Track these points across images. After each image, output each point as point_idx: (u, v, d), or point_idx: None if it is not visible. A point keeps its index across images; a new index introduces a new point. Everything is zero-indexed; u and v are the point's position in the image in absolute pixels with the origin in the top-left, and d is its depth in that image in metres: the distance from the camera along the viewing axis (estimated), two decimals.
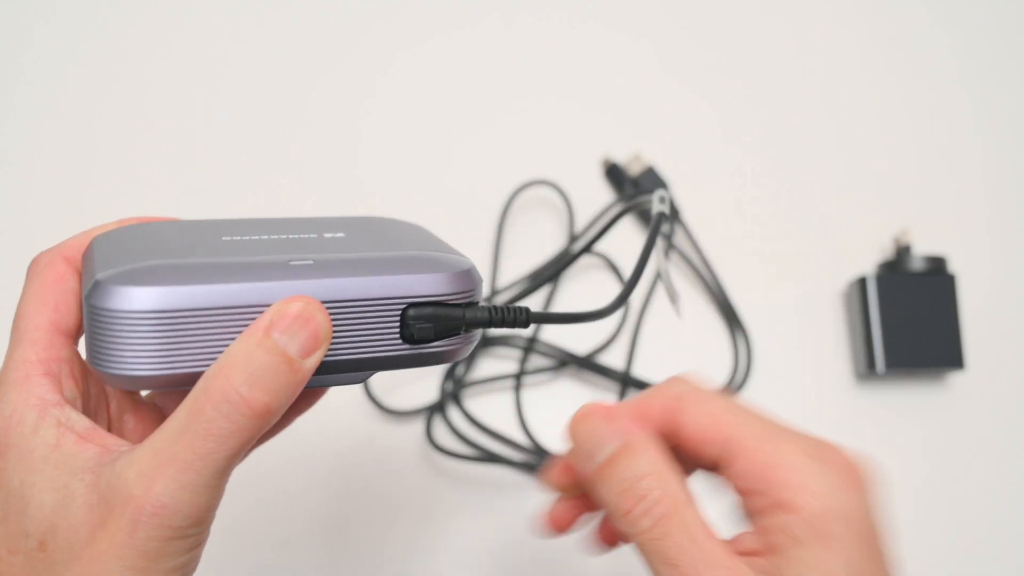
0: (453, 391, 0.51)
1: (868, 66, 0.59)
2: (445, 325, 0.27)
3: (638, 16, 0.60)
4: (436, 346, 0.28)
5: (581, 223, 0.56)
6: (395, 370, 0.29)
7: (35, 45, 0.60)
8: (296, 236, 0.29)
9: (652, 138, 0.57)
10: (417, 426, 0.51)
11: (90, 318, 0.24)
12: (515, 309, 0.29)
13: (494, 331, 0.52)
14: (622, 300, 0.30)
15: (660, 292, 0.54)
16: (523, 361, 0.52)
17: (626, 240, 0.55)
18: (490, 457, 0.50)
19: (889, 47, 0.60)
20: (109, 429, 0.29)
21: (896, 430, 0.52)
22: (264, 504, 0.50)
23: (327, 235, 0.29)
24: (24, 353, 0.26)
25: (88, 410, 0.27)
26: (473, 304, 0.28)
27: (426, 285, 0.27)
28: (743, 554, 0.25)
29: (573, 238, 0.54)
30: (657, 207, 0.33)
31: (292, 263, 0.26)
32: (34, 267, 0.29)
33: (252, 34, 0.60)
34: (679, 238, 0.55)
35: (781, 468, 0.25)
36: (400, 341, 0.27)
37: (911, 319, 0.50)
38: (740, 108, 0.58)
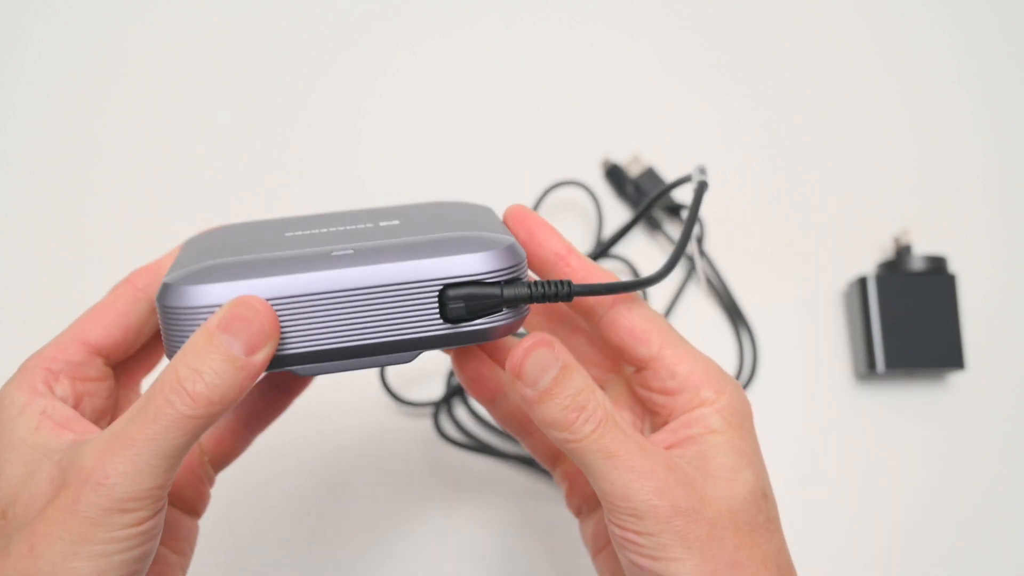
0: (459, 385, 0.51)
1: (868, 66, 0.59)
2: (483, 303, 0.28)
3: (638, 16, 0.60)
4: (480, 324, 0.29)
5: (586, 225, 0.56)
6: (449, 347, 0.31)
7: (35, 45, 0.60)
8: (352, 227, 0.30)
9: (652, 138, 0.57)
10: (425, 420, 0.51)
11: (161, 317, 0.28)
12: (557, 283, 0.29)
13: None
14: (671, 267, 0.32)
15: (666, 294, 0.54)
16: None
17: (639, 247, 0.55)
18: (492, 451, 0.50)
19: (889, 47, 0.60)
20: None
21: (896, 430, 0.52)
22: (265, 503, 0.50)
23: (382, 223, 0.31)
24: (42, 352, 0.30)
25: (83, 408, 0.31)
26: (513, 280, 0.29)
27: (461, 265, 0.28)
28: (666, 446, 0.30)
29: (600, 242, 0.54)
30: (698, 177, 0.35)
31: (334, 253, 0.27)
32: (118, 286, 0.33)
33: (252, 34, 0.60)
34: (678, 233, 0.55)
35: (700, 374, 0.31)
36: (441, 321, 0.28)
37: (911, 319, 0.50)
38: (740, 108, 0.58)
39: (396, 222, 0.31)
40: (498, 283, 0.28)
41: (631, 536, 0.28)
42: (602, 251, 0.49)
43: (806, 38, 0.60)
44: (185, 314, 0.27)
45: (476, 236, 0.29)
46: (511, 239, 0.29)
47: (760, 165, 0.57)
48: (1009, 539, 0.50)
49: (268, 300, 0.27)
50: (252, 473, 0.51)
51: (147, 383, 0.33)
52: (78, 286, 0.53)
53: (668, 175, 0.56)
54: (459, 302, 0.28)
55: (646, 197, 0.55)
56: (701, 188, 0.34)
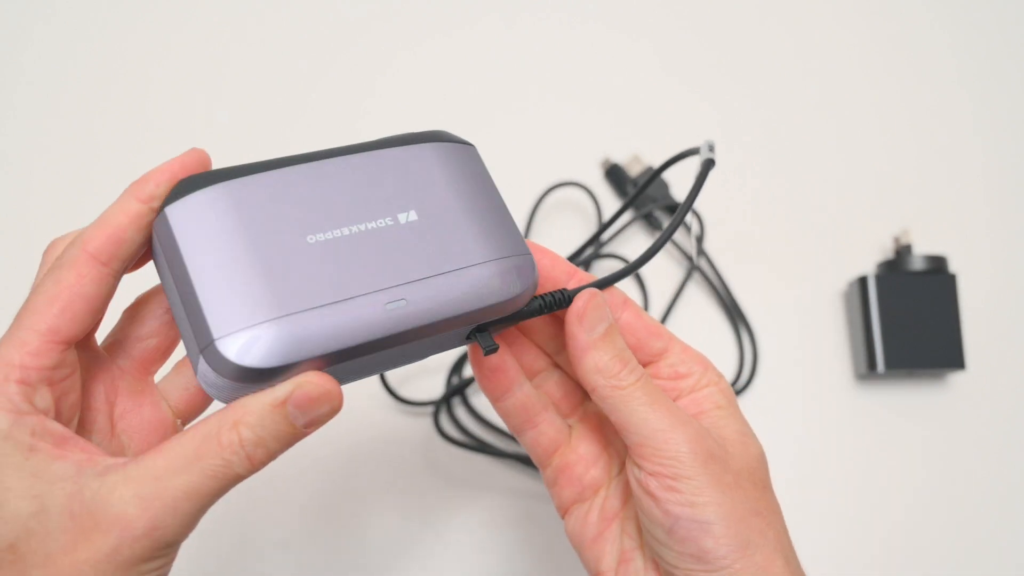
0: (459, 386, 0.51)
1: (868, 66, 0.59)
2: (502, 324, 0.32)
3: (638, 17, 0.61)
4: (492, 336, 0.32)
5: (586, 224, 0.56)
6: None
7: (35, 45, 0.60)
8: (373, 226, 0.29)
9: (652, 139, 0.57)
10: (425, 420, 0.51)
11: (217, 382, 0.27)
12: (557, 294, 0.33)
13: None
14: (662, 243, 0.35)
15: (668, 294, 0.54)
16: None
17: (639, 247, 0.55)
18: (492, 450, 0.50)
19: (889, 47, 0.60)
20: (112, 429, 0.30)
21: (896, 430, 0.52)
22: (265, 503, 0.50)
23: (401, 219, 0.30)
24: (9, 354, 0.26)
25: (60, 411, 0.27)
26: (532, 301, 0.32)
27: (497, 309, 0.30)
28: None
29: (600, 243, 0.54)
30: (706, 154, 0.36)
31: (388, 306, 0.28)
32: (51, 254, 0.29)
33: (252, 35, 0.60)
34: (680, 236, 0.55)
35: (703, 361, 0.35)
36: (463, 340, 0.32)
37: (911, 319, 0.50)
38: (740, 108, 0.58)
39: (414, 216, 0.30)
40: (518, 312, 0.32)
41: (668, 481, 0.31)
42: (598, 232, 0.48)
43: (806, 38, 0.60)
44: (252, 375, 0.26)
45: (506, 276, 0.30)
46: (532, 266, 0.32)
47: (760, 165, 0.57)
48: (1009, 539, 0.50)
49: (329, 360, 0.27)
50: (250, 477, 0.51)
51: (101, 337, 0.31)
52: None
53: (668, 175, 0.56)
54: (485, 339, 0.31)
55: (646, 197, 0.55)
56: (707, 165, 0.36)
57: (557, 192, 0.56)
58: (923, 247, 0.54)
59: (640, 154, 0.56)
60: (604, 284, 0.34)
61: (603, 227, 0.47)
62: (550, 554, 0.49)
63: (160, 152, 0.57)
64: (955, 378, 0.53)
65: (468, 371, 0.52)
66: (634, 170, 0.55)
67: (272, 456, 0.27)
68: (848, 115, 0.58)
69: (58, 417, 0.27)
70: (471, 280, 0.29)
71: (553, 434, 0.36)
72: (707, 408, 0.34)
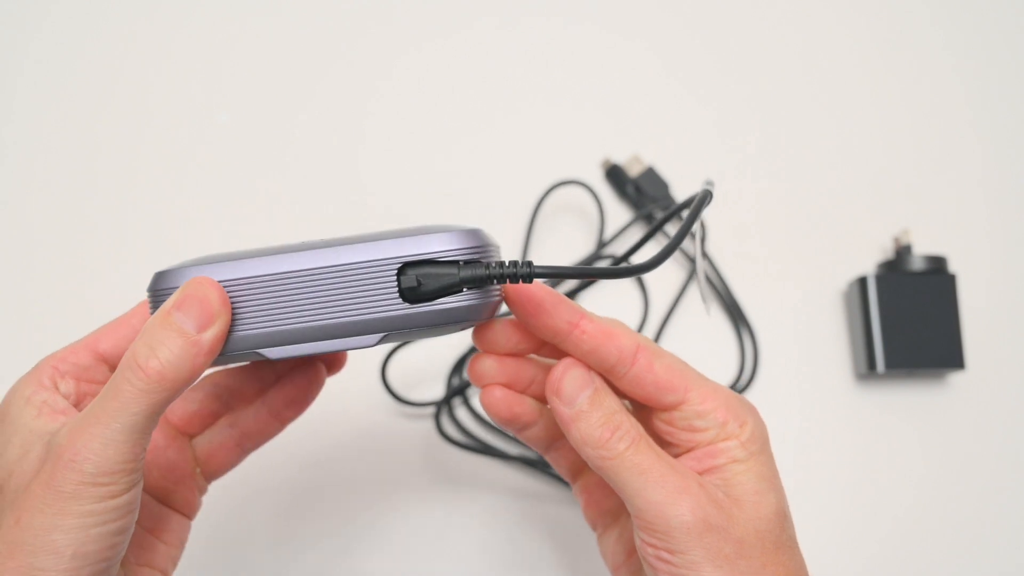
0: (460, 387, 0.51)
1: (868, 66, 0.59)
2: (439, 281, 0.29)
3: (638, 18, 0.61)
4: (441, 304, 0.29)
5: (587, 224, 0.56)
6: (414, 337, 0.31)
7: (36, 45, 0.60)
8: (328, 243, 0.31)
9: (652, 139, 0.57)
10: (426, 421, 0.52)
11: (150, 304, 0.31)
12: (516, 262, 0.29)
13: None
14: (660, 259, 0.31)
15: (669, 294, 0.54)
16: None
17: (641, 252, 0.55)
18: (493, 451, 0.50)
19: (889, 47, 0.60)
20: None
21: (896, 430, 0.52)
22: (266, 503, 0.50)
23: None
24: (55, 353, 0.32)
25: (83, 406, 0.32)
26: (472, 261, 0.29)
27: (419, 245, 0.29)
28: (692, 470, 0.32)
29: (602, 243, 0.54)
30: (706, 186, 0.35)
31: (292, 245, 0.30)
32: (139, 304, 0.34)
33: (253, 36, 0.60)
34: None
35: (724, 410, 0.32)
36: (400, 300, 0.29)
37: (911, 319, 0.50)
38: (740, 108, 0.58)
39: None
40: (455, 262, 0.29)
41: (663, 554, 0.30)
42: (616, 264, 0.49)
43: (806, 38, 0.60)
44: (158, 296, 0.30)
45: (438, 224, 0.30)
46: (477, 227, 0.30)
47: (760, 165, 0.57)
48: (1009, 539, 0.50)
49: (223, 281, 0.29)
50: (253, 474, 0.51)
51: None
52: (78, 286, 0.53)
53: (668, 175, 0.56)
54: (413, 280, 0.28)
55: (646, 197, 0.55)
56: (704, 196, 0.34)
57: (558, 193, 0.56)
58: (923, 247, 0.54)
59: (640, 154, 0.56)
60: (574, 276, 0.32)
61: (628, 253, 0.44)
62: (551, 554, 0.49)
63: (161, 152, 0.57)
64: (955, 378, 0.53)
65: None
66: (634, 170, 0.55)
67: (171, 369, 0.28)
68: (848, 115, 0.58)
69: (78, 408, 0.31)
70: (390, 230, 0.30)
71: (575, 457, 0.36)
72: (721, 463, 0.32)
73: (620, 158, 0.56)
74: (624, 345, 0.32)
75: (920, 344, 0.50)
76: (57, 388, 0.31)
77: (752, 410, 0.33)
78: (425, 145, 0.57)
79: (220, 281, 0.29)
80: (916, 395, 0.52)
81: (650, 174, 0.55)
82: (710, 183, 0.36)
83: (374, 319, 0.29)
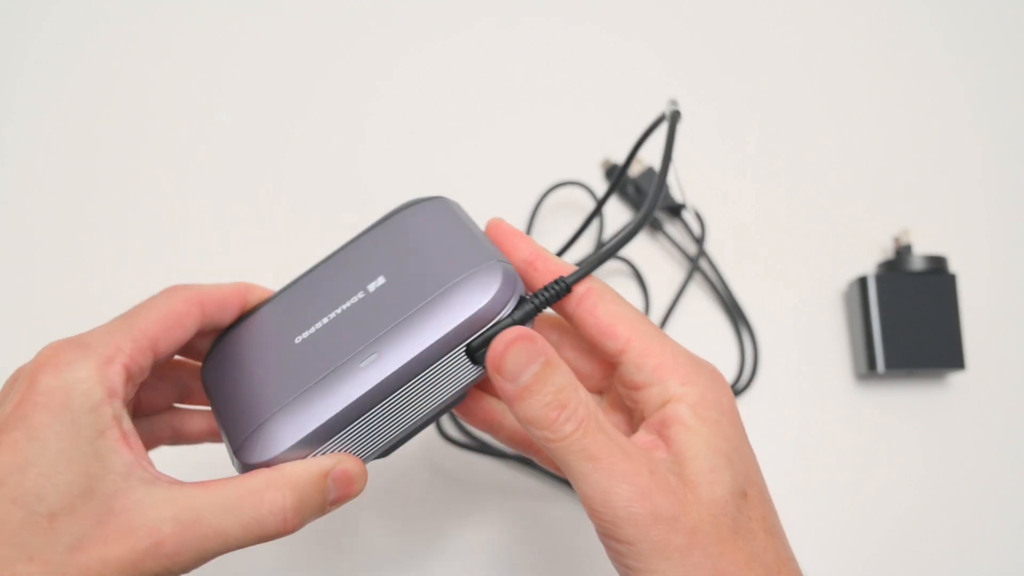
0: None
1: (868, 66, 0.59)
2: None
3: (637, 17, 0.61)
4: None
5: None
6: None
7: (35, 45, 0.60)
8: (347, 305, 0.32)
9: (652, 139, 0.57)
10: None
11: (241, 469, 0.30)
12: (554, 286, 0.30)
13: None
14: (657, 194, 0.33)
15: (670, 294, 0.54)
16: None
17: (641, 248, 0.55)
18: (493, 451, 0.50)
19: (889, 47, 0.60)
20: None
21: (896, 430, 0.52)
22: None
23: (371, 287, 0.32)
24: (121, 338, 0.28)
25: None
26: (519, 304, 0.30)
27: (475, 322, 0.29)
28: (643, 447, 0.29)
29: (601, 244, 0.54)
30: (671, 107, 0.35)
31: (361, 365, 0.29)
32: (176, 291, 0.32)
33: (253, 36, 0.60)
34: (680, 235, 0.55)
35: (669, 366, 0.29)
36: (472, 366, 0.30)
37: (911, 319, 0.50)
38: (740, 108, 0.58)
39: (382, 280, 0.32)
40: (509, 316, 0.30)
41: (612, 543, 0.28)
42: (588, 220, 0.49)
43: (806, 39, 0.60)
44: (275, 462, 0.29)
45: (474, 281, 0.30)
46: (500, 266, 0.30)
47: (760, 165, 0.57)
48: (1009, 539, 0.50)
49: (324, 434, 0.29)
50: None
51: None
52: (79, 286, 0.53)
53: (668, 176, 0.56)
54: (484, 349, 0.29)
55: (647, 197, 0.55)
56: (674, 118, 0.34)
57: (558, 193, 0.56)
58: (923, 247, 0.54)
59: (640, 154, 0.56)
60: (596, 265, 0.31)
61: (591, 216, 0.45)
62: (551, 554, 0.49)
63: (162, 153, 0.57)
64: (955, 378, 0.53)
65: None
66: (634, 170, 0.55)
67: (302, 524, 0.28)
68: (848, 115, 0.58)
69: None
70: (436, 305, 0.30)
71: None
72: (672, 433, 0.29)
73: (620, 158, 0.56)
74: (579, 286, 0.31)
75: (920, 344, 0.50)
76: (126, 395, 0.28)
77: (710, 372, 0.30)
78: (425, 145, 0.57)
79: (316, 429, 0.29)
80: (916, 395, 0.52)
81: (650, 174, 0.55)
82: (674, 102, 0.36)
83: (460, 390, 0.31)
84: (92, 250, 0.55)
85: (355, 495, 0.30)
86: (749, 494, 0.29)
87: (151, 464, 0.28)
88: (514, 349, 0.28)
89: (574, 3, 0.61)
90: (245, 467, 0.29)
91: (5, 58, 0.60)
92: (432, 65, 0.59)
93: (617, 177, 0.43)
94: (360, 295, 0.32)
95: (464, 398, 0.32)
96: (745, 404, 0.52)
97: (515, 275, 0.30)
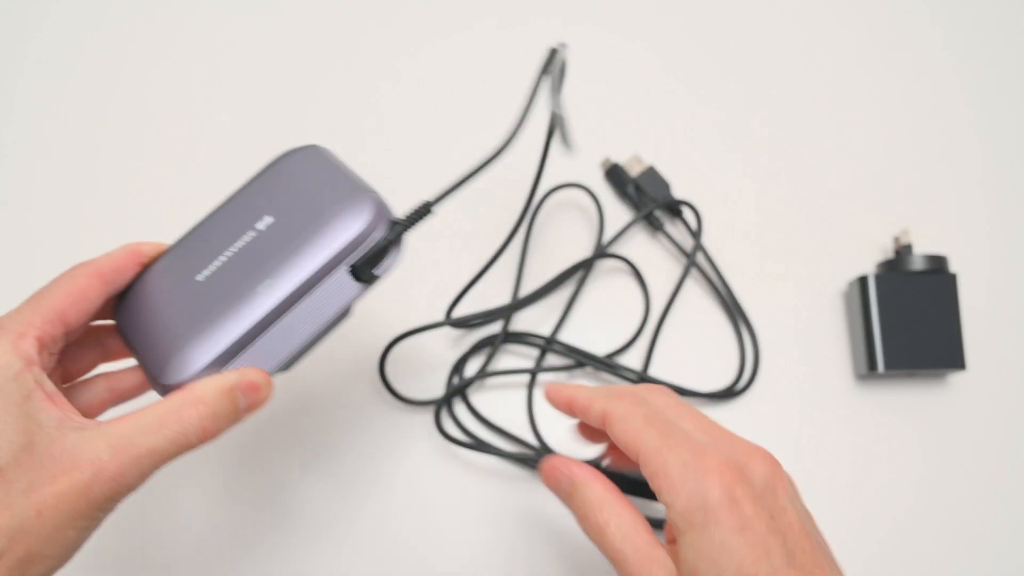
0: (460, 385, 0.51)
1: (868, 66, 0.60)
2: (380, 255, 0.36)
3: (637, 18, 0.61)
4: (382, 270, 0.36)
5: (587, 221, 0.56)
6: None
7: (36, 45, 0.60)
8: (241, 243, 0.36)
9: (652, 140, 0.57)
10: (427, 419, 0.52)
11: (161, 391, 0.35)
12: (418, 209, 0.37)
13: (515, 330, 0.53)
14: (517, 129, 0.39)
15: (681, 296, 0.54)
16: (539, 360, 0.53)
17: (640, 247, 0.55)
18: (493, 449, 0.50)
19: (889, 47, 0.60)
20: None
21: (896, 430, 0.52)
22: (265, 503, 0.50)
23: (259, 226, 0.37)
24: (30, 316, 0.33)
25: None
26: (394, 226, 0.36)
27: (354, 244, 0.35)
28: (669, 542, 0.34)
29: (601, 244, 0.54)
30: (555, 46, 0.38)
31: (258, 289, 0.35)
32: (76, 268, 0.36)
33: (253, 36, 0.60)
34: (681, 234, 0.55)
35: (662, 475, 0.32)
36: (355, 283, 0.36)
37: (912, 318, 0.50)
38: (740, 108, 0.58)
39: (270, 219, 0.37)
40: (386, 238, 0.36)
41: None
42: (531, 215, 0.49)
43: (806, 38, 0.60)
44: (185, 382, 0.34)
45: (350, 215, 0.35)
46: (369, 196, 0.36)
47: (760, 164, 0.57)
48: (1009, 539, 0.50)
49: (228, 348, 0.34)
50: (251, 474, 0.51)
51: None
52: None
53: (669, 176, 0.56)
54: (368, 268, 0.36)
55: (647, 196, 0.55)
56: (551, 55, 0.37)
57: (558, 193, 0.56)
58: (923, 247, 0.54)
59: (640, 154, 0.56)
60: (443, 195, 0.38)
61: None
62: (551, 553, 0.49)
63: (162, 152, 0.57)
64: (955, 378, 0.53)
65: (469, 371, 0.53)
66: (635, 170, 0.55)
67: (219, 431, 0.33)
68: (848, 114, 0.58)
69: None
70: (318, 235, 0.35)
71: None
72: (674, 536, 0.32)
73: (620, 158, 0.56)
74: (593, 416, 0.36)
75: (920, 344, 0.50)
76: (42, 363, 0.33)
77: (693, 474, 0.31)
78: (425, 145, 0.57)
79: (225, 349, 0.34)
80: (916, 395, 0.52)
81: (651, 173, 0.55)
82: (563, 45, 0.39)
83: (346, 303, 0.36)
84: (92, 250, 0.55)
85: (264, 401, 0.34)
86: None
87: (77, 414, 0.32)
88: (545, 474, 0.38)
89: (574, 3, 0.61)
90: (165, 390, 0.34)
91: (5, 58, 0.60)
92: (432, 65, 0.59)
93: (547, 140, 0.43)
94: (252, 234, 0.37)
95: (349, 313, 0.37)
96: (745, 404, 0.52)
97: (384, 203, 0.36)
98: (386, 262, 0.37)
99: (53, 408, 0.32)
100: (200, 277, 0.36)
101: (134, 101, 0.59)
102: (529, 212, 0.55)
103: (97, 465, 0.30)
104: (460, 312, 0.53)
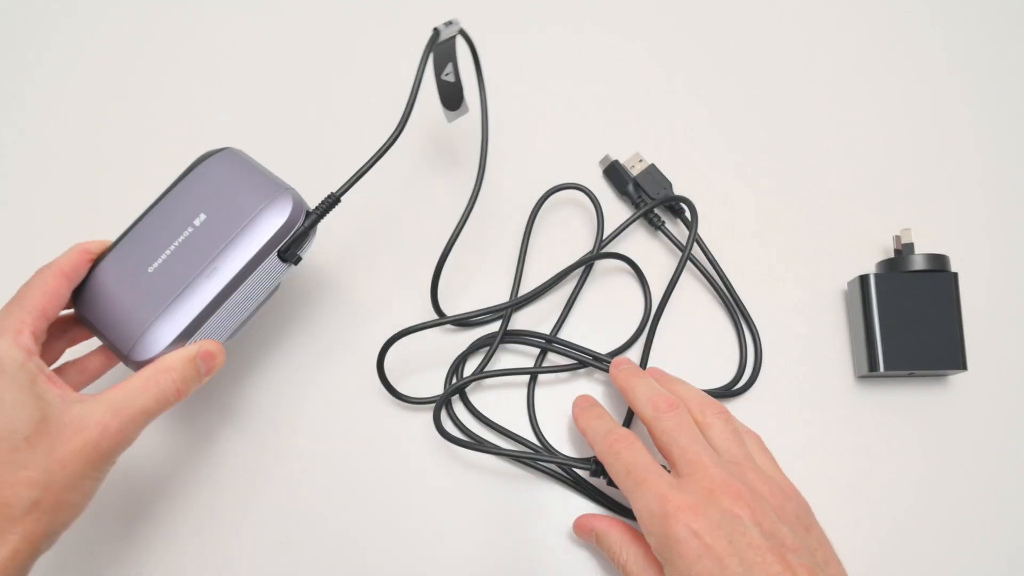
0: (459, 385, 0.51)
1: (868, 66, 0.60)
2: (300, 241, 0.44)
3: (638, 18, 0.61)
4: (303, 252, 0.45)
5: (586, 218, 0.56)
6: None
7: (35, 45, 0.60)
8: (182, 238, 0.44)
9: (652, 140, 0.57)
10: (426, 418, 0.51)
11: (133, 365, 0.43)
12: (327, 200, 0.45)
13: (516, 329, 0.53)
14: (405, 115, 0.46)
15: (673, 294, 0.54)
16: (539, 359, 0.53)
17: (640, 246, 0.55)
18: (492, 448, 0.50)
19: (889, 47, 0.60)
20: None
21: (896, 430, 0.52)
22: (264, 503, 0.50)
23: (196, 223, 0.44)
24: (21, 313, 0.40)
25: None
26: (309, 216, 0.44)
27: (281, 234, 0.43)
28: None
29: (601, 244, 0.54)
30: (437, 25, 0.46)
31: (206, 278, 0.43)
32: (44, 271, 0.43)
33: (253, 36, 0.60)
34: (681, 233, 0.55)
35: (639, 518, 0.40)
36: (282, 264, 0.45)
37: (912, 318, 0.50)
38: (740, 107, 0.58)
39: (204, 216, 0.44)
40: (303, 226, 0.44)
41: None
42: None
43: (806, 38, 0.60)
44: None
45: (275, 210, 0.43)
46: (291, 192, 0.44)
47: (761, 164, 0.57)
48: (1009, 539, 0.50)
49: (190, 330, 0.43)
50: (251, 473, 0.51)
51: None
52: None
53: (670, 174, 0.56)
54: (293, 251, 0.44)
55: (647, 195, 0.55)
56: (433, 38, 0.45)
57: (558, 192, 0.56)
58: (923, 247, 0.54)
59: (641, 153, 0.56)
60: (348, 185, 0.45)
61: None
62: (551, 553, 0.49)
63: (160, 152, 0.57)
64: (956, 378, 0.53)
65: (468, 370, 0.53)
66: (635, 169, 0.55)
67: (188, 392, 0.42)
68: (849, 114, 0.58)
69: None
70: (251, 228, 0.43)
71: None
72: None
73: (620, 157, 0.56)
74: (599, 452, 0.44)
75: (921, 345, 0.50)
76: (38, 351, 0.40)
77: (662, 518, 0.38)
78: (427, 145, 0.57)
79: (184, 328, 0.42)
80: (916, 395, 0.52)
81: (651, 172, 0.55)
82: (450, 22, 0.46)
83: (272, 286, 0.46)
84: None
85: (218, 366, 0.44)
86: None
87: (72, 391, 0.40)
88: (576, 529, 0.48)
89: (575, 3, 0.61)
90: (138, 365, 0.42)
91: (5, 58, 0.60)
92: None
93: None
94: (190, 230, 0.44)
95: (278, 288, 0.47)
96: (746, 403, 0.52)
97: (301, 198, 0.44)
98: (306, 245, 0.45)
99: (55, 387, 0.39)
100: (151, 269, 0.43)
101: (134, 101, 0.59)
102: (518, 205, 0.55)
103: (103, 424, 0.38)
104: (459, 309, 0.53)
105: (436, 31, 0.46)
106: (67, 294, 0.42)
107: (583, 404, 0.48)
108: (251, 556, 0.49)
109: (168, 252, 0.43)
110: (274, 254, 0.44)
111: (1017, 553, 0.50)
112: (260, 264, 0.43)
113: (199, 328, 0.43)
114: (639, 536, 0.43)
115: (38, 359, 0.39)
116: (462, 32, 0.48)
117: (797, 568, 0.36)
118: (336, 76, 0.59)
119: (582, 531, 0.47)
